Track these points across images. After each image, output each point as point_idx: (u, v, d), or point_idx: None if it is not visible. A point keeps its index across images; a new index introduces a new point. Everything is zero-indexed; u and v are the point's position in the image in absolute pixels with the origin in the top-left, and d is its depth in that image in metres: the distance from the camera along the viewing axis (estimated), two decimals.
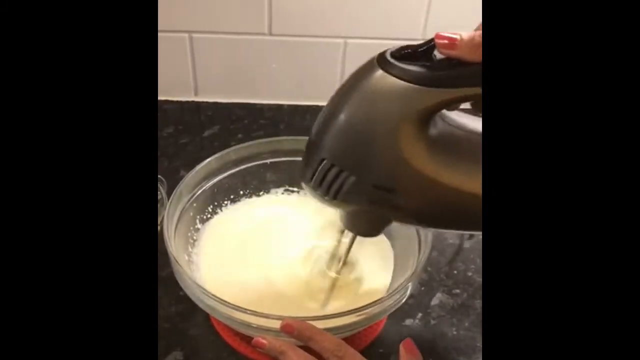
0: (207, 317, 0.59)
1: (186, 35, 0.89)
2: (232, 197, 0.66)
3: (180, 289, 0.52)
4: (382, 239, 0.62)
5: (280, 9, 0.85)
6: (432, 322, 0.60)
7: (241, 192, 0.66)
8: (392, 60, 0.39)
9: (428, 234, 0.53)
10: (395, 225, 0.60)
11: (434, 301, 0.62)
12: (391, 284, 0.57)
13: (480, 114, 0.42)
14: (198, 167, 0.60)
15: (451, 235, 0.70)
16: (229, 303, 0.47)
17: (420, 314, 0.61)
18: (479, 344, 0.57)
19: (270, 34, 0.87)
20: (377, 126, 0.40)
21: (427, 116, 0.40)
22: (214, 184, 0.63)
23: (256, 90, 0.93)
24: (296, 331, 0.44)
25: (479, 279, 0.65)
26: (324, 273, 0.56)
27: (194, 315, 0.59)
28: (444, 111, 0.43)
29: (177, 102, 0.95)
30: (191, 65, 0.92)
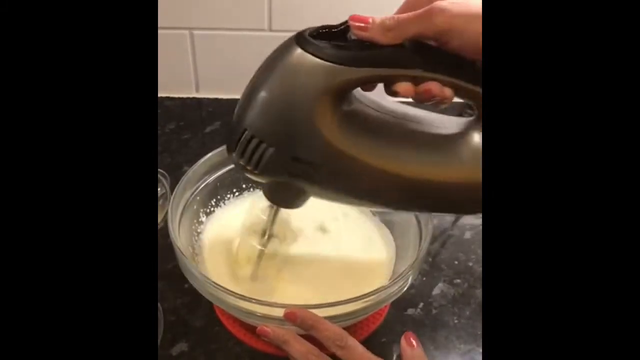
0: (211, 308, 0.59)
1: (187, 32, 0.89)
2: (235, 190, 0.66)
3: (185, 281, 0.53)
4: (380, 228, 0.63)
5: (279, 5, 0.86)
6: (434, 311, 0.61)
7: (244, 185, 0.67)
8: (309, 39, 0.41)
9: (429, 223, 0.54)
10: (396, 215, 0.61)
11: (435, 291, 0.63)
12: (393, 272, 0.58)
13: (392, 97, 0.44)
14: (201, 160, 0.61)
15: (452, 226, 0.71)
16: (233, 292, 0.47)
17: (421, 304, 0.61)
18: (480, 333, 0.58)
19: (270, 30, 0.88)
20: (294, 100, 0.42)
21: (342, 93, 0.42)
22: (217, 178, 0.63)
23: None
24: (299, 319, 0.45)
25: (479, 268, 0.65)
26: (251, 245, 0.57)
27: (199, 307, 0.60)
28: (361, 92, 0.45)
29: (179, 98, 0.96)
30: (192, 61, 0.92)
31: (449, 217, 0.73)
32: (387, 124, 0.45)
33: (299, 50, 0.41)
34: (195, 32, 0.90)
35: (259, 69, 0.44)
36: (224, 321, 0.58)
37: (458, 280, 0.64)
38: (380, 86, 0.44)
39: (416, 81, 0.41)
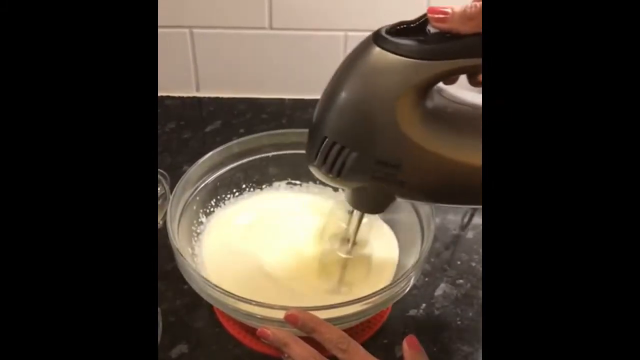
0: (211, 310, 0.59)
1: (187, 30, 0.89)
2: (234, 190, 0.66)
3: (185, 282, 0.52)
4: (384, 228, 0.63)
5: (280, 3, 0.85)
6: (436, 312, 0.60)
7: (244, 186, 0.66)
8: (387, 37, 0.40)
9: (431, 224, 0.53)
10: (398, 215, 0.61)
11: (438, 291, 0.62)
12: (395, 273, 0.57)
13: (476, 88, 0.43)
14: (200, 160, 0.60)
15: (454, 226, 0.71)
16: (233, 294, 0.47)
17: (424, 305, 0.61)
18: None
19: (271, 28, 0.87)
20: (375, 101, 0.41)
21: (424, 89, 0.41)
22: (217, 178, 0.63)
23: (258, 85, 0.93)
24: (300, 322, 0.45)
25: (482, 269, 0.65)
26: (334, 254, 0.56)
27: (198, 308, 0.59)
28: (441, 85, 0.44)
29: (179, 97, 0.95)
30: (192, 60, 0.92)
31: (454, 218, 0.72)
32: (470, 117, 0.43)
33: (377, 49, 0.40)
34: (195, 30, 0.89)
35: (336, 72, 0.43)
36: (223, 323, 0.57)
37: (461, 281, 0.64)
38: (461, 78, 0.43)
39: None
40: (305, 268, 0.58)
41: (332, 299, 0.52)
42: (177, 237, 0.54)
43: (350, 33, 0.86)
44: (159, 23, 0.87)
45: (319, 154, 0.43)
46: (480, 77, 0.40)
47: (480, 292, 0.62)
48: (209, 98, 0.95)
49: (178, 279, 0.54)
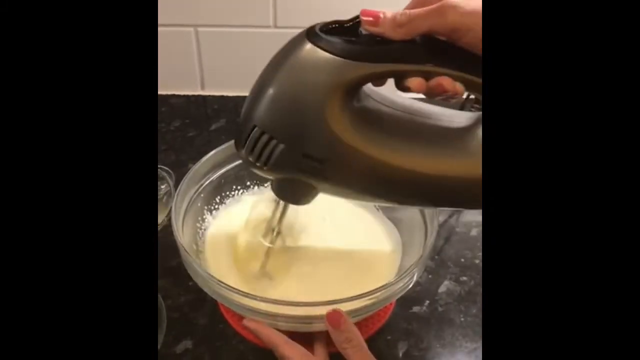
0: (215, 306, 0.59)
1: (192, 29, 0.89)
2: (239, 187, 0.66)
3: (189, 279, 0.52)
4: (386, 225, 0.63)
5: (285, 2, 0.85)
6: (440, 309, 0.60)
7: (248, 183, 0.66)
8: (320, 34, 0.41)
9: (434, 220, 0.53)
10: (401, 212, 0.61)
11: (442, 288, 0.63)
12: (399, 269, 0.57)
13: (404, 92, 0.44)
14: (205, 158, 0.61)
15: (458, 223, 0.71)
16: (237, 290, 0.47)
17: (427, 302, 0.61)
18: None
19: (276, 27, 0.88)
20: (304, 96, 0.41)
21: (353, 88, 0.42)
22: (221, 175, 0.63)
23: None
24: (343, 325, 0.46)
25: None
26: (259, 243, 0.56)
27: (203, 304, 0.60)
28: (371, 87, 0.45)
29: (184, 96, 0.96)
30: (197, 59, 0.92)
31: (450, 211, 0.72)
32: (397, 118, 0.45)
33: (309, 45, 0.40)
34: (200, 29, 0.89)
35: (268, 64, 0.43)
36: (228, 319, 0.58)
37: (464, 278, 0.64)
38: (389, 81, 0.44)
39: (427, 76, 0.41)
40: (235, 257, 0.58)
41: (254, 288, 0.53)
42: (182, 234, 0.54)
43: None
44: (165, 22, 0.87)
45: (248, 142, 0.44)
46: (406, 82, 0.41)
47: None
48: (214, 96, 0.95)
49: (183, 276, 0.55)
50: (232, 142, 0.63)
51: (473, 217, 0.72)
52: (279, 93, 0.42)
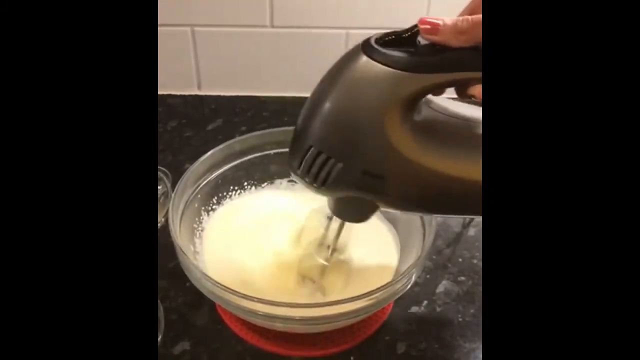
0: (213, 307, 0.59)
1: (188, 29, 0.89)
2: (236, 188, 0.66)
3: (187, 280, 0.52)
4: (384, 226, 0.63)
5: (281, 1, 0.85)
6: (438, 309, 0.60)
7: (245, 183, 0.66)
8: (376, 47, 0.39)
9: (432, 220, 0.53)
10: (399, 213, 0.61)
11: (440, 288, 0.63)
12: (397, 270, 0.57)
13: (464, 100, 0.43)
14: (202, 158, 0.60)
15: (456, 223, 0.71)
16: (235, 291, 0.47)
17: (425, 301, 0.61)
18: None
19: (272, 26, 0.87)
20: (362, 112, 0.40)
21: (412, 101, 0.41)
22: (218, 175, 0.63)
23: (259, 83, 0.93)
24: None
25: None
26: (313, 259, 0.56)
27: (201, 305, 0.59)
28: (430, 97, 0.43)
29: (181, 96, 0.95)
30: (194, 59, 0.92)
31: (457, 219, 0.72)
32: (458, 129, 0.43)
33: (365, 58, 0.39)
34: (197, 29, 0.89)
35: (322, 79, 0.42)
36: (226, 320, 0.57)
37: (462, 278, 0.64)
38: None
39: None
40: (282, 273, 0.57)
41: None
42: (179, 235, 0.54)
43: (351, 31, 0.86)
44: (161, 22, 0.87)
45: (304, 163, 0.42)
46: (469, 90, 0.39)
47: (481, 289, 0.62)
48: (211, 96, 0.95)
49: (180, 277, 0.54)
50: (229, 142, 0.63)
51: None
52: (335, 110, 0.41)
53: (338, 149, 0.41)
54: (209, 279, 0.48)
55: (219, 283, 0.48)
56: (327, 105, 0.41)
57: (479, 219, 0.71)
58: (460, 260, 0.66)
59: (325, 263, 0.54)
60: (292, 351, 0.54)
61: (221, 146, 0.61)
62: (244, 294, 0.47)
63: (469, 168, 0.42)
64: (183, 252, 0.50)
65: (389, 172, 0.42)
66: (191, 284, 0.52)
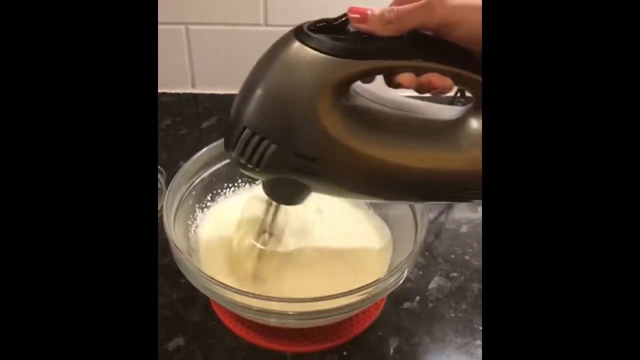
0: (207, 303, 0.59)
1: (183, 27, 0.89)
2: (230, 184, 0.66)
3: (181, 276, 0.53)
4: (375, 222, 0.63)
5: (275, 0, 0.85)
6: (430, 305, 0.61)
7: (239, 180, 0.67)
8: (308, 32, 0.41)
9: (424, 216, 0.54)
10: (391, 209, 0.61)
11: (432, 284, 0.63)
12: (390, 265, 0.58)
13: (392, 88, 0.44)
14: (196, 156, 0.61)
15: (449, 221, 0.71)
16: (229, 287, 0.47)
17: (418, 297, 0.61)
18: (477, 326, 0.58)
19: (267, 25, 0.88)
20: (294, 96, 0.41)
21: (343, 86, 0.42)
22: (213, 172, 0.63)
23: None
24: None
25: (476, 262, 0.65)
26: (251, 245, 0.56)
27: (195, 302, 0.60)
28: (361, 84, 0.45)
29: (175, 94, 0.96)
30: (188, 57, 0.92)
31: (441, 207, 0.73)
32: (388, 115, 0.45)
33: (297, 44, 0.40)
34: (191, 27, 0.89)
35: (256, 64, 0.43)
36: (220, 316, 0.58)
37: (455, 274, 0.64)
38: (378, 78, 0.44)
39: (417, 72, 0.41)
40: (227, 259, 0.58)
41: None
42: (174, 232, 0.54)
43: None
44: None
45: (238, 144, 0.43)
46: (396, 78, 0.41)
47: (474, 285, 0.63)
48: (205, 94, 0.95)
49: (174, 273, 0.55)
50: (223, 140, 0.63)
51: (463, 214, 0.72)
52: (268, 93, 0.42)
53: (272, 130, 0.43)
54: (204, 275, 0.49)
55: (213, 279, 0.48)
56: (261, 88, 0.42)
57: (474, 217, 0.71)
58: (452, 256, 0.66)
59: (259, 246, 0.55)
60: (286, 347, 0.55)
61: (215, 143, 0.62)
62: (238, 289, 0.47)
63: (397, 152, 0.44)
64: (178, 248, 0.51)
65: (320, 155, 0.43)
66: (185, 281, 0.52)
